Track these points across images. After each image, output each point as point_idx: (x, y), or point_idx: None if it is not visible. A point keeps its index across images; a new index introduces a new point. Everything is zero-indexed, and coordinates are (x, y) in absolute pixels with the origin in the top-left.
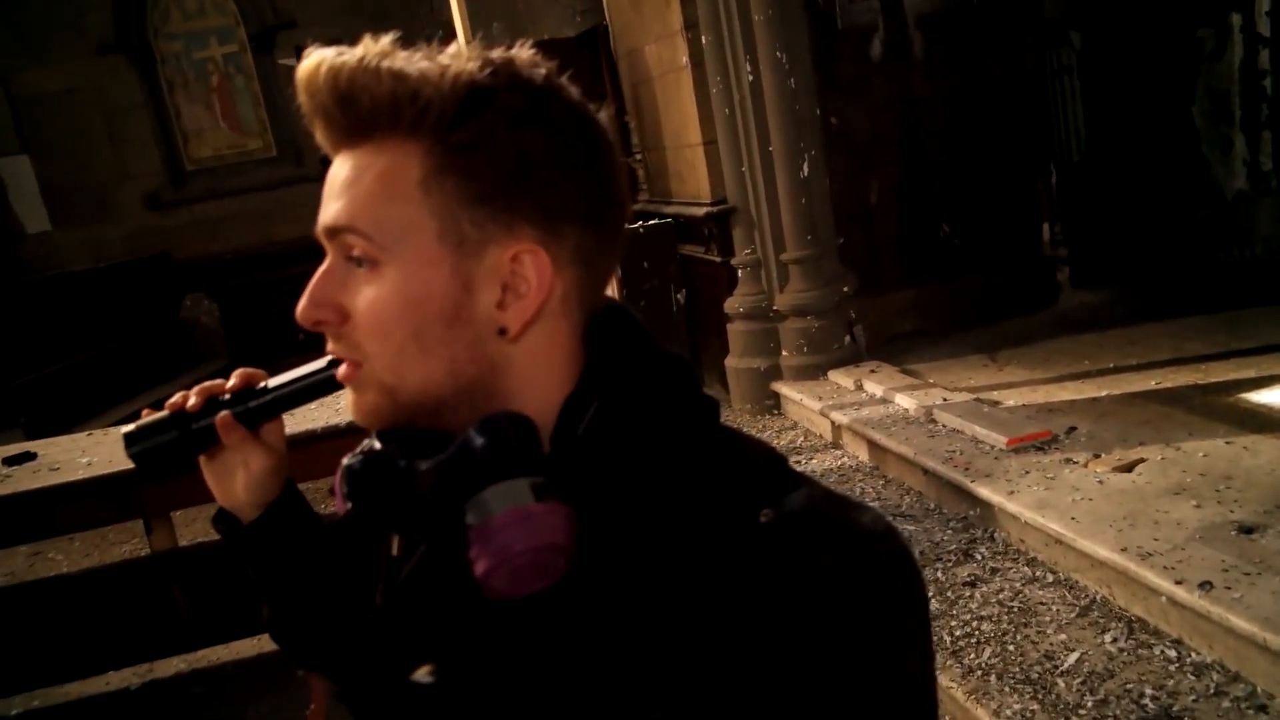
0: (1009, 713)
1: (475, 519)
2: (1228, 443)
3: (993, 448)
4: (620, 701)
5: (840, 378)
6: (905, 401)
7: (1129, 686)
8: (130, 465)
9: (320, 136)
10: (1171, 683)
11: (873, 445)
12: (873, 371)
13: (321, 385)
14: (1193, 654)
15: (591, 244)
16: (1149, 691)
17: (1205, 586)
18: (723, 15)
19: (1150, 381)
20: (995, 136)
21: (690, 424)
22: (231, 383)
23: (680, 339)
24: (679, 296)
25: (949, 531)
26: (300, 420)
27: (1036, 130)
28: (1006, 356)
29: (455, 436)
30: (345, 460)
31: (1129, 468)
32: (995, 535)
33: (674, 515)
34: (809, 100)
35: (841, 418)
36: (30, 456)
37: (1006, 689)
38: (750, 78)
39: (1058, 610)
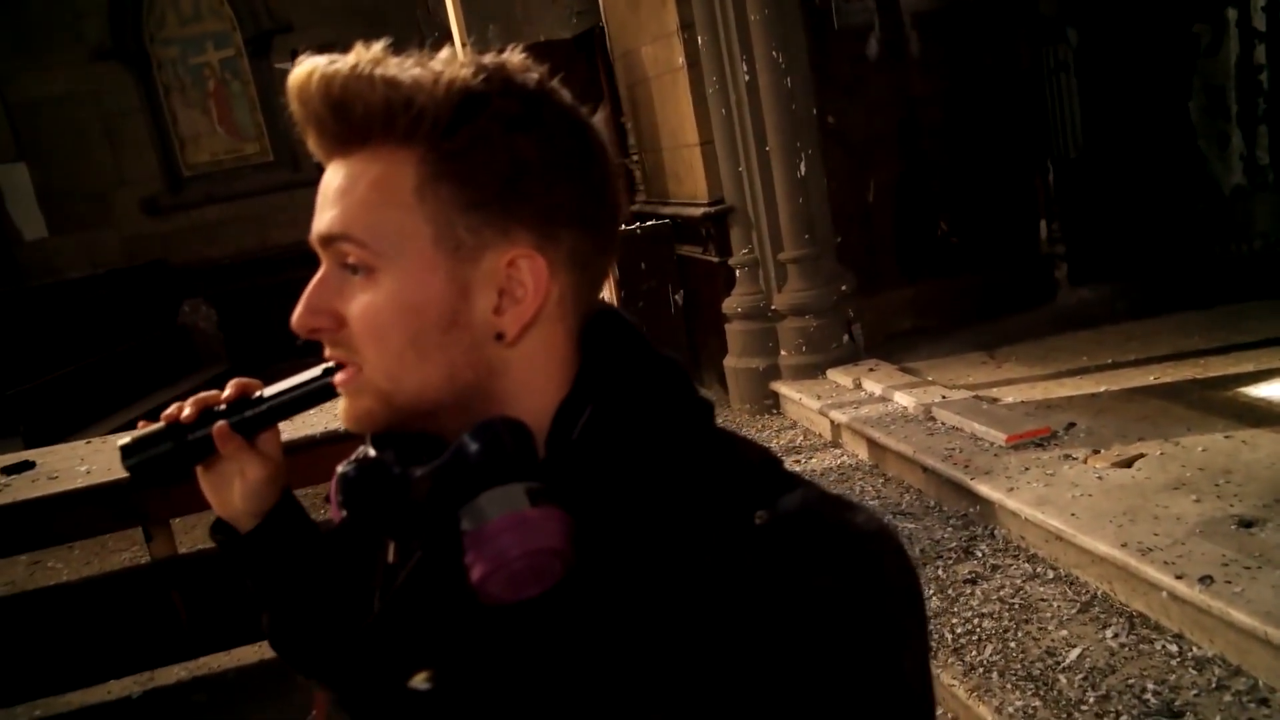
0: (1011, 710)
1: (471, 524)
2: (1227, 437)
3: (992, 445)
4: (618, 705)
5: (839, 376)
6: (904, 399)
7: (1131, 682)
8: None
9: (313, 145)
10: (1173, 677)
11: (872, 444)
12: (871, 370)
13: (317, 394)
14: (1194, 648)
15: (587, 247)
16: (1151, 686)
17: (1206, 581)
18: (719, 15)
19: (1149, 377)
20: (992, 134)
21: (684, 426)
22: (227, 393)
23: (679, 340)
24: (677, 297)
25: (949, 529)
26: (300, 425)
27: (1033, 127)
28: (1005, 353)
29: (449, 440)
30: (340, 468)
31: (1128, 463)
32: (995, 532)
33: (669, 518)
34: (806, 99)
35: (841, 416)
36: (29, 465)
37: (1008, 686)
38: (747, 77)
39: (1059, 606)
